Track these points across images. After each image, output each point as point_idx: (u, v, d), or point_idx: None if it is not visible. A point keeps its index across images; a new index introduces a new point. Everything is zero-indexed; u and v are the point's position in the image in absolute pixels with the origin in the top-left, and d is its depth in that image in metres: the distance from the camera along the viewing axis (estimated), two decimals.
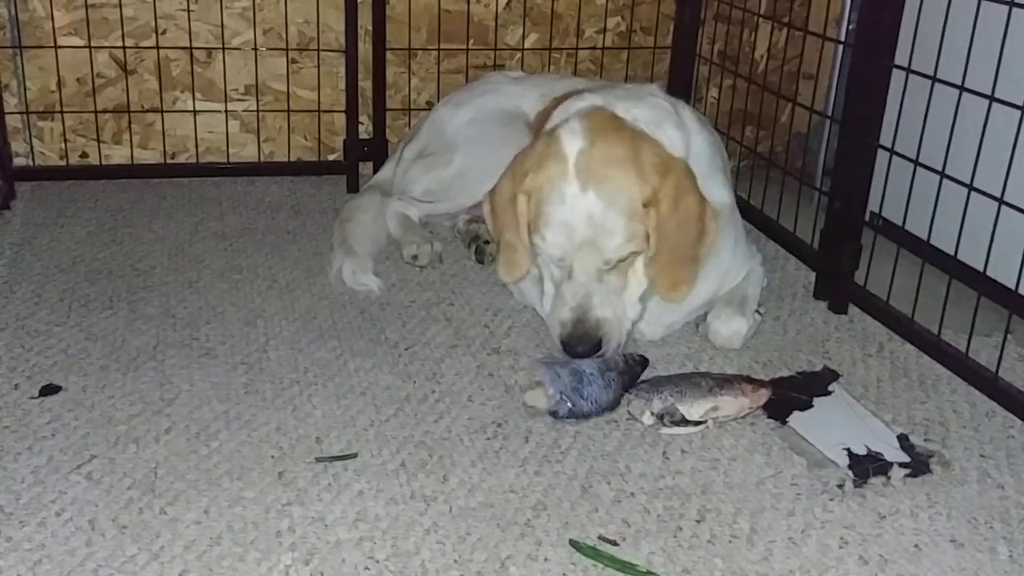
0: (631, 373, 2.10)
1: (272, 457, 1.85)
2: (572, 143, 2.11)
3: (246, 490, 1.75)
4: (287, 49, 3.31)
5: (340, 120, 3.37)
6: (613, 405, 2.04)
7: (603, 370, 2.05)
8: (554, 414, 2.01)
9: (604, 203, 2.05)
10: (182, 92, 3.31)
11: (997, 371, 2.16)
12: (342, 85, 3.30)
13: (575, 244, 2.07)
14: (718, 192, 2.34)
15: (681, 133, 2.27)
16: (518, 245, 2.22)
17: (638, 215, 2.08)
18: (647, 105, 2.27)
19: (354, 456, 1.87)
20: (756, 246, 2.63)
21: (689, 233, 2.14)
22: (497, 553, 1.62)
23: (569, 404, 1.99)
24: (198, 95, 3.32)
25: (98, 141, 3.29)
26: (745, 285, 2.43)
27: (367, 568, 1.58)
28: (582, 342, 2.07)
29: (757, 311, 2.43)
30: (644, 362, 2.16)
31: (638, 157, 2.09)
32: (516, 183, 2.17)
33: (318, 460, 1.85)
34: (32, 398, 2.01)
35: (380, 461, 1.86)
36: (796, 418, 2.04)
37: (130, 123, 3.29)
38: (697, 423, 1.99)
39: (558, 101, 2.75)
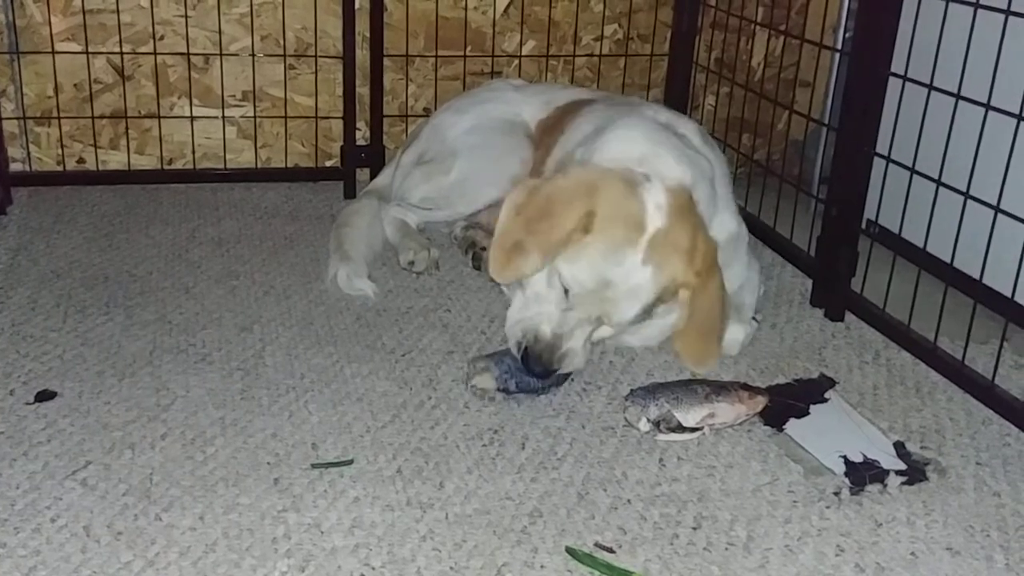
0: None
1: (268, 463, 1.85)
2: (656, 216, 2.07)
3: (242, 496, 1.75)
4: (285, 55, 3.32)
5: (337, 126, 3.37)
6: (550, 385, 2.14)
7: None
8: (505, 391, 2.08)
9: (651, 281, 2.06)
10: (179, 98, 3.31)
11: (993, 379, 2.16)
12: (339, 91, 3.30)
13: (599, 297, 2.06)
14: (730, 223, 2.39)
15: (712, 192, 2.29)
16: (534, 255, 2.13)
17: (667, 293, 2.11)
18: (698, 175, 2.24)
19: (350, 463, 1.87)
20: (754, 255, 2.63)
21: (713, 311, 2.17)
22: (493, 560, 1.62)
23: (515, 380, 2.08)
24: (195, 101, 3.32)
25: (95, 147, 3.29)
26: (742, 293, 2.44)
27: (363, 575, 1.57)
28: (541, 363, 2.08)
29: (754, 318, 2.43)
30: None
31: (695, 245, 2.10)
32: (576, 210, 2.08)
33: (314, 466, 1.85)
34: (27, 404, 2.01)
35: (376, 468, 1.86)
36: (793, 425, 2.04)
37: (127, 129, 3.29)
38: (693, 430, 1.99)
39: (562, 110, 2.75)
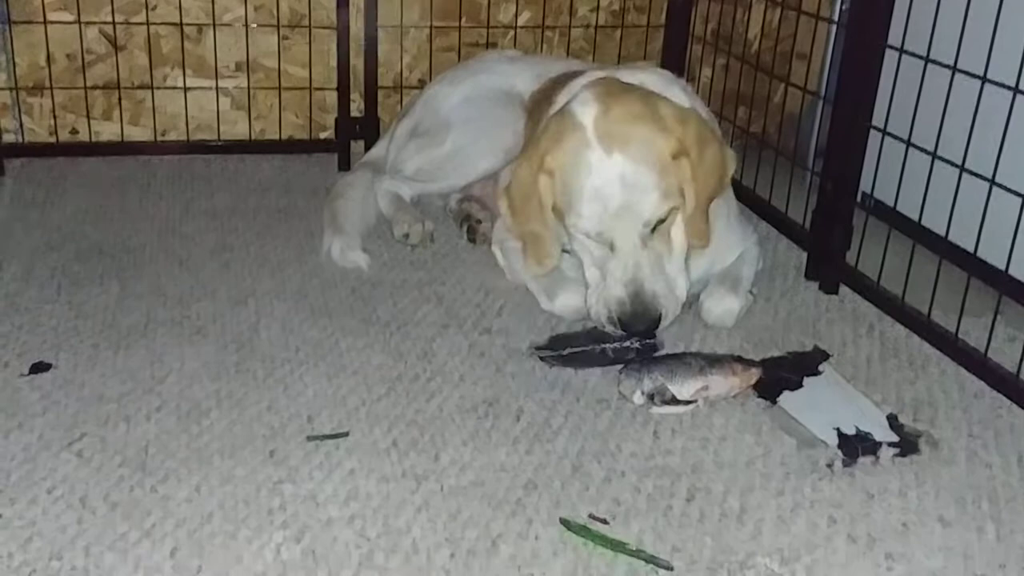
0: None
1: (263, 436, 1.86)
2: (586, 111, 2.07)
3: (237, 468, 1.76)
4: (278, 26, 3.29)
5: (332, 98, 3.35)
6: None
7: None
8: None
9: (633, 162, 2.00)
10: (172, 69, 3.29)
11: (986, 351, 2.17)
12: (334, 63, 3.28)
13: (612, 212, 2.01)
14: None
15: (687, 96, 2.26)
16: (544, 233, 2.16)
17: (669, 168, 2.03)
18: (649, 73, 2.26)
19: (345, 435, 1.87)
20: (753, 226, 2.62)
21: (716, 178, 2.12)
22: (488, 531, 1.63)
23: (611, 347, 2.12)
24: (189, 72, 3.29)
25: (88, 118, 3.27)
26: (740, 264, 2.43)
27: (358, 546, 1.58)
28: (641, 319, 2.03)
29: (750, 291, 2.43)
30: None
31: (656, 111, 2.06)
32: (534, 167, 2.12)
33: (309, 439, 1.85)
34: (22, 376, 2.01)
35: (371, 440, 1.86)
36: (786, 398, 2.04)
37: (120, 100, 3.27)
38: (687, 402, 2.00)
39: (554, 81, 2.74)
